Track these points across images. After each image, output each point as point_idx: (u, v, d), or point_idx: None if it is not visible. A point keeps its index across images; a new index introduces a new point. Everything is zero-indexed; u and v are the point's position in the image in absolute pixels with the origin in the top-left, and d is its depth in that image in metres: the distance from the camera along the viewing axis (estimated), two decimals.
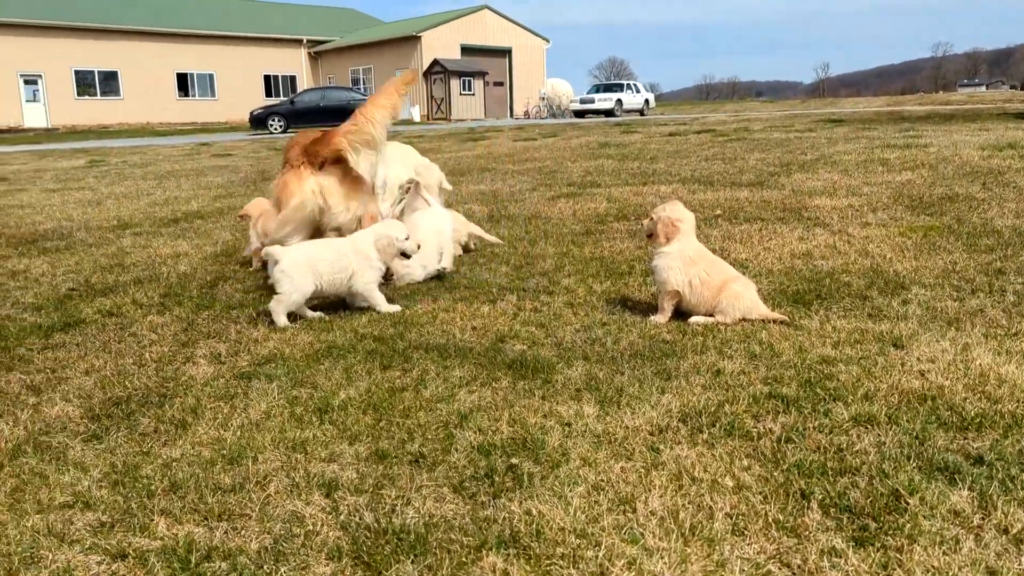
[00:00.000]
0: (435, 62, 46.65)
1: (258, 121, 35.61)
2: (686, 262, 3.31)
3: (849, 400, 2.35)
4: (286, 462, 2.16)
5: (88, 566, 1.71)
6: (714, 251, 4.64)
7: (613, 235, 5.48)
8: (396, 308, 3.65)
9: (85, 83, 44.52)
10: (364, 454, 2.18)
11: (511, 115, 50.44)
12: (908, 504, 1.77)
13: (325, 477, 2.05)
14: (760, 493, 1.83)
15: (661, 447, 2.09)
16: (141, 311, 3.93)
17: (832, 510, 1.76)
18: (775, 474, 1.91)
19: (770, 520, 1.73)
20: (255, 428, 2.38)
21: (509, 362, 2.86)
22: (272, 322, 3.49)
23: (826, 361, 2.73)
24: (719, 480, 1.89)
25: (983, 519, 1.72)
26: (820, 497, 1.81)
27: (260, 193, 9.63)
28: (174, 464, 2.17)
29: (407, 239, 3.68)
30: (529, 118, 46.99)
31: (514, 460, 2.06)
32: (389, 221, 4.03)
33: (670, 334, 3.15)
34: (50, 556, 1.74)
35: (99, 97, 45.03)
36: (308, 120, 35.71)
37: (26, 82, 42.69)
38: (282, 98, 44.17)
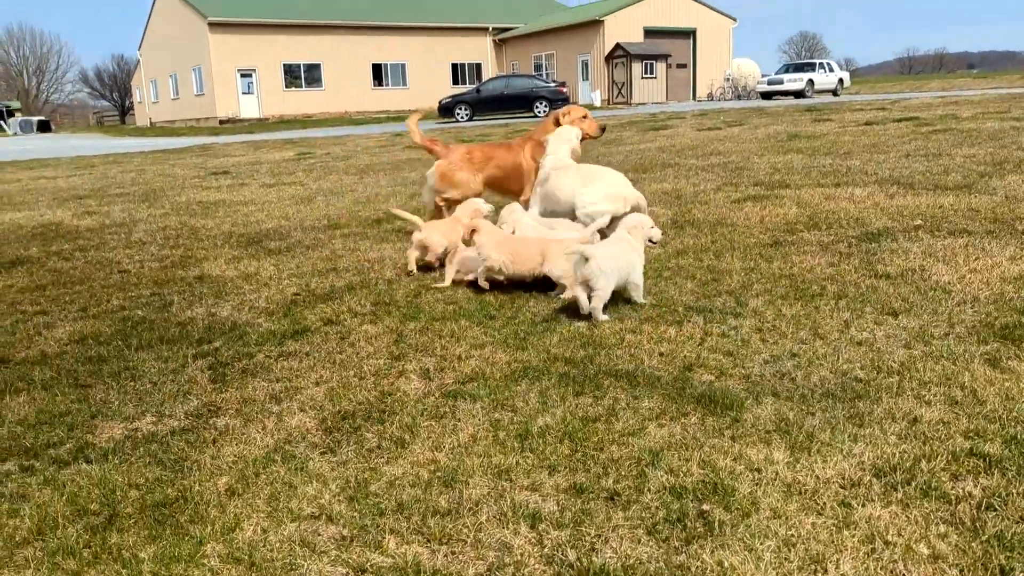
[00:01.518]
0: (617, 46, 46.41)
1: (446, 109, 36.94)
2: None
3: None
4: (493, 488, 2.38)
5: None
6: (912, 271, 4.52)
7: (804, 248, 5.36)
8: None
9: (292, 75, 47.84)
10: (563, 486, 2.35)
11: (694, 98, 49.41)
12: None
13: (529, 507, 2.24)
14: (956, 565, 1.83)
15: (853, 503, 2.13)
16: (356, 320, 4.31)
17: None
18: (973, 545, 1.90)
19: None
20: (464, 451, 2.62)
21: (698, 395, 2.94)
22: (590, 317, 3.95)
23: None
24: (913, 547, 1.91)
25: None
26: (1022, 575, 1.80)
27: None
28: (397, 483, 2.44)
29: (652, 227, 4.35)
30: (713, 101, 45.86)
31: (705, 506, 2.16)
32: (635, 215, 4.57)
33: (863, 370, 3.12)
34: (305, 565, 2.04)
35: (304, 88, 48.26)
36: (493, 108, 36.67)
37: (242, 76, 46.40)
38: (468, 86, 45.56)
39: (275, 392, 3.31)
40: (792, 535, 2.00)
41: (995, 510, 2.05)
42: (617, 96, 46.77)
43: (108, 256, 6.57)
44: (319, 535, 2.17)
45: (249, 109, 46.41)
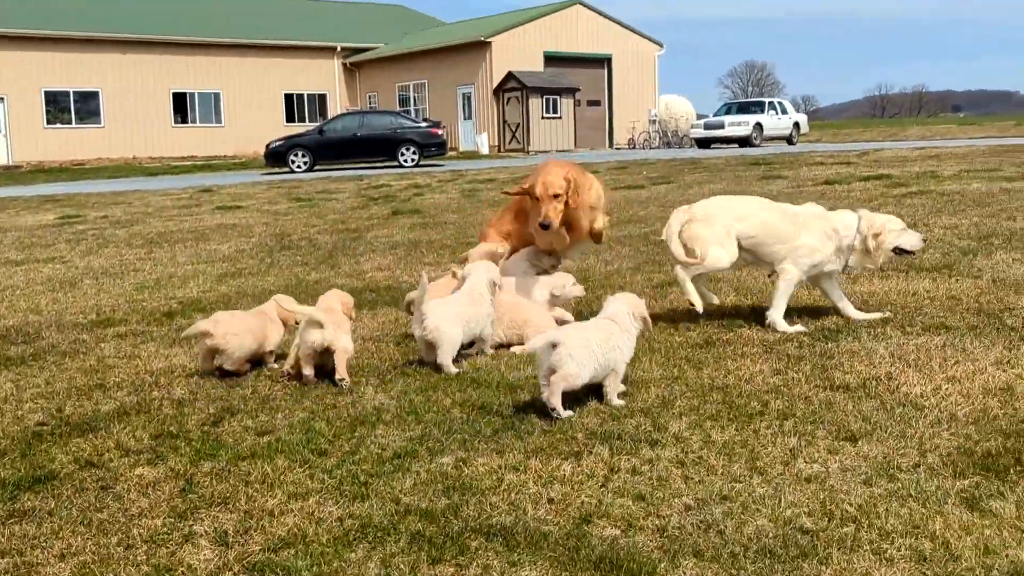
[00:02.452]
0: (509, 75, 47.83)
1: (276, 156, 36.96)
2: None
3: None
4: None
5: None
6: (877, 380, 4.79)
7: (743, 349, 5.61)
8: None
9: (58, 107, 47.04)
10: None
11: (611, 145, 51.26)
12: None
13: None
14: None
15: None
16: (127, 460, 4.22)
17: None
18: None
19: None
20: None
21: (596, 558, 3.00)
22: (554, 412, 4.41)
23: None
24: None
25: None
26: None
27: (276, 266, 10.05)
28: None
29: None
30: (635, 149, 47.54)
31: None
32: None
33: (811, 518, 3.26)
34: None
35: (74, 125, 47.42)
36: (342, 154, 36.95)
37: None
38: (308, 125, 45.75)
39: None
40: None
41: None
42: (511, 141, 48.02)
43: None
44: None
45: None
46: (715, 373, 5.12)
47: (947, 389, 4.60)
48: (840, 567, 2.87)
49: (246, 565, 3.13)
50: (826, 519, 3.24)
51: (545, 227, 6.25)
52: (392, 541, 3.23)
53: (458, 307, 5.65)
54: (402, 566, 3.05)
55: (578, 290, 6.53)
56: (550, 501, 3.51)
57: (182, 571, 3.10)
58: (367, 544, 3.22)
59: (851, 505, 3.33)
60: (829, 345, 5.58)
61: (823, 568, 2.87)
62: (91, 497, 3.79)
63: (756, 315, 6.38)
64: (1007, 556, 2.91)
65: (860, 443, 3.97)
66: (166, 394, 5.29)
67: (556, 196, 6.19)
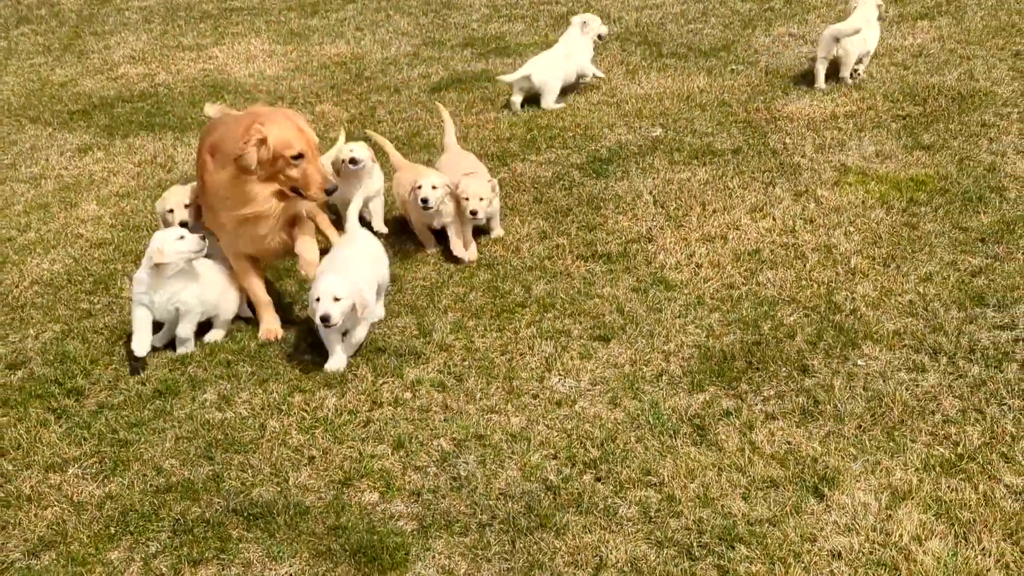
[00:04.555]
0: None
1: None
2: None
3: None
4: None
5: None
6: (636, 243, 5.04)
7: (517, 195, 5.74)
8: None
9: None
10: None
11: None
12: None
13: None
14: None
15: None
16: None
17: None
18: None
19: None
20: None
21: (354, 546, 3.25)
22: None
23: (727, 535, 3.20)
24: None
25: None
26: None
27: (15, 55, 9.36)
28: None
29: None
30: None
31: None
32: None
33: (555, 462, 3.58)
34: None
35: None
36: None
37: None
38: None
39: None
40: None
41: None
42: None
43: None
44: None
45: None
46: (487, 241, 5.31)
47: (700, 256, 4.90)
48: (574, 541, 3.21)
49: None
50: (570, 466, 3.57)
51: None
52: (153, 533, 3.38)
53: None
54: (163, 568, 3.25)
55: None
56: (311, 460, 3.71)
57: None
58: (129, 538, 3.36)
59: (593, 444, 3.66)
60: (598, 184, 5.79)
61: (559, 543, 3.20)
62: None
63: (531, 136, 6.53)
64: (721, 507, 3.31)
65: (613, 344, 4.27)
66: None
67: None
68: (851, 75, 6.99)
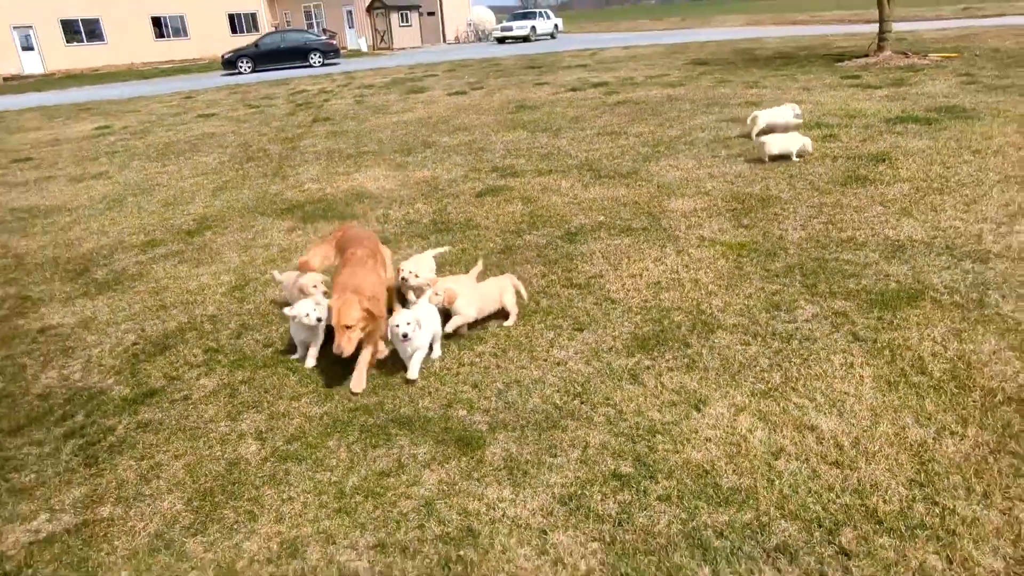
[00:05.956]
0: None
1: (229, 63, 33.99)
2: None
3: (659, 478, 3.13)
4: (323, 553, 2.86)
5: None
6: (595, 279, 5.25)
7: (526, 253, 5.89)
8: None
9: (72, 30, 41.30)
10: (371, 543, 2.87)
11: (444, 40, 48.64)
12: None
13: (350, 567, 2.76)
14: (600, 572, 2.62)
15: (548, 532, 2.86)
16: (194, 373, 4.39)
17: None
18: (611, 557, 2.70)
19: None
20: (300, 519, 3.04)
21: (456, 437, 3.50)
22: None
23: (651, 430, 3.44)
24: (576, 561, 2.67)
25: None
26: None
27: (248, 179, 9.63)
28: (255, 559, 2.85)
29: None
30: (459, 43, 45.51)
31: (461, 551, 2.80)
32: None
33: (559, 394, 3.80)
34: None
35: (86, 43, 41.95)
36: (272, 60, 34.12)
37: (18, 32, 39.37)
38: (246, 34, 41.94)
39: (143, 471, 3.46)
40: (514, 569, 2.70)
41: (626, 524, 2.86)
42: (380, 42, 45.10)
43: None
44: None
45: (32, 65, 39.71)
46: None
47: (628, 285, 5.11)
48: (572, 434, 3.44)
49: (276, 455, 3.49)
50: (567, 396, 3.77)
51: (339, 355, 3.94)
52: (349, 431, 3.62)
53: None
54: (357, 451, 3.50)
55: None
56: (429, 394, 3.91)
57: (243, 464, 3.45)
58: (337, 435, 3.59)
59: (578, 384, 3.87)
60: (571, 247, 5.92)
61: (563, 435, 3.45)
62: (179, 408, 4.02)
63: (532, 222, 6.72)
64: (647, 415, 3.54)
65: (585, 332, 4.46)
66: (203, 312, 5.36)
67: (349, 327, 3.89)
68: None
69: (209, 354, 4.64)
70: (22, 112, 22.22)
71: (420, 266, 4.89)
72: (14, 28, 38.45)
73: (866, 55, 16.19)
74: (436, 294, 4.34)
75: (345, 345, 3.81)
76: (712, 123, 10.50)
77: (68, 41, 40.34)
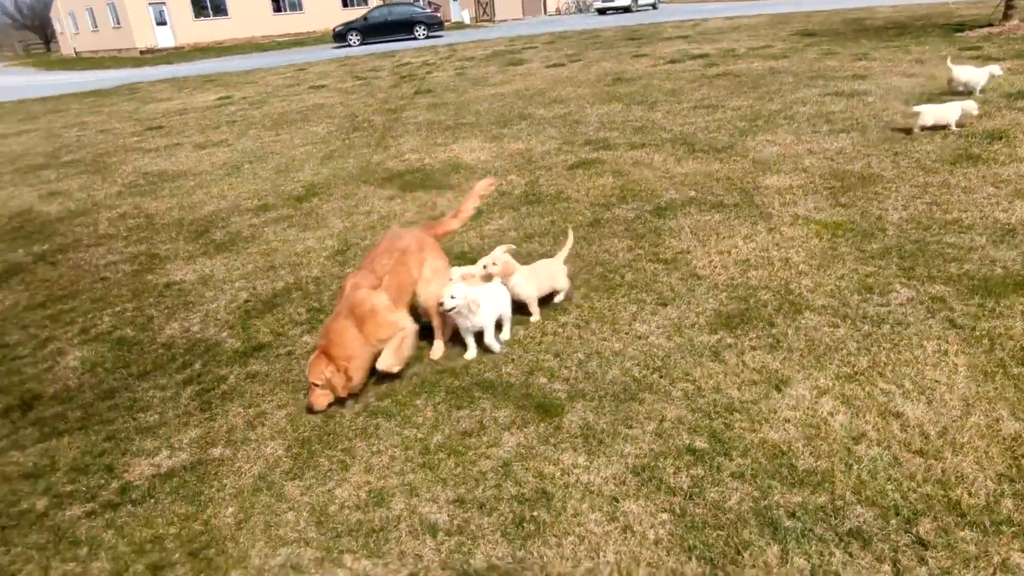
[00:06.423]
0: None
1: (339, 36, 35.01)
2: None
3: (733, 455, 3.09)
4: (407, 504, 3.01)
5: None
6: (681, 254, 5.15)
7: (614, 227, 5.85)
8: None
9: (200, 5, 43.61)
10: (451, 498, 2.99)
11: (544, 12, 47.99)
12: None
13: (430, 520, 2.89)
14: (672, 546, 2.63)
15: (619, 499, 2.89)
16: (297, 331, 4.65)
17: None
18: (680, 530, 2.71)
19: None
20: (387, 471, 3.20)
21: (536, 403, 3.57)
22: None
23: (729, 408, 3.37)
24: (646, 531, 2.69)
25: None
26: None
27: (353, 148, 9.97)
28: (345, 505, 3.04)
29: None
30: (560, 14, 44.87)
31: (535, 512, 2.88)
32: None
33: (638, 368, 3.80)
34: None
35: (212, 17, 44.20)
36: (380, 33, 34.83)
37: (153, 7, 42.03)
38: (355, 8, 42.99)
39: (250, 418, 3.75)
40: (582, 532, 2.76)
41: (697, 498, 2.85)
42: (482, 14, 45.11)
43: (85, 258, 6.56)
44: (302, 558, 2.78)
45: (165, 39, 42.30)
46: (597, 249, 5.39)
47: (716, 262, 4.98)
48: (649, 407, 3.44)
49: (367, 411, 3.66)
50: (647, 369, 3.75)
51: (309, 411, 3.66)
52: (436, 392, 3.75)
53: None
54: (443, 411, 3.62)
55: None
56: (511, 361, 3.98)
57: (338, 417, 3.64)
58: (424, 395, 3.73)
59: (658, 358, 3.84)
60: (659, 222, 5.82)
61: (640, 408, 3.45)
62: (282, 362, 4.29)
63: (622, 196, 6.62)
64: (726, 393, 3.49)
65: (668, 308, 4.40)
66: (308, 274, 5.64)
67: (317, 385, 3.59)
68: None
69: (312, 313, 4.90)
70: (155, 84, 23.79)
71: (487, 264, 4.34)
72: (150, 4, 41.03)
73: (990, 24, 14.80)
74: (494, 264, 4.14)
75: (313, 400, 3.60)
76: (815, 97, 9.95)
77: (196, 16, 42.68)
